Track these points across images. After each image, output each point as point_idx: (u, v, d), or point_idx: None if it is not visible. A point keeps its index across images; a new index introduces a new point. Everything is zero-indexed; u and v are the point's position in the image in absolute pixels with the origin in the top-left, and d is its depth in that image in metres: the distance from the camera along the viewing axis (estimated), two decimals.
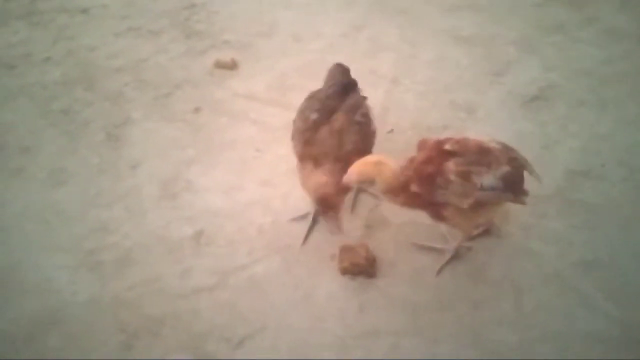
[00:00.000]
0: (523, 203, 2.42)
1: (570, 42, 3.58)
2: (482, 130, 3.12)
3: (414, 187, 2.29)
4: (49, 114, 3.43)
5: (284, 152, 3.10)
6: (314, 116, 2.63)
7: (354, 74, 3.51)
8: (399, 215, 2.73)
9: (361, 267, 2.53)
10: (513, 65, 3.49)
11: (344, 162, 2.46)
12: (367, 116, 2.73)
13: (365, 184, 2.46)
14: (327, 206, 2.48)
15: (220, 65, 3.62)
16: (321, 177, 2.48)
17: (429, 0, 3.95)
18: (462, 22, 3.77)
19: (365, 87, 3.47)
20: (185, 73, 3.62)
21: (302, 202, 2.86)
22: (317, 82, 3.50)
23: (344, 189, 2.50)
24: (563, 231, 2.64)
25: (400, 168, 2.33)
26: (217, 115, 3.35)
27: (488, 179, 2.27)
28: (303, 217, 2.81)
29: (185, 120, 3.33)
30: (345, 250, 2.57)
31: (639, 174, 2.88)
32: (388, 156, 2.38)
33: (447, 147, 2.32)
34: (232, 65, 3.61)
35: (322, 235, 2.72)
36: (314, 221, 2.78)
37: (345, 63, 3.60)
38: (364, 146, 2.63)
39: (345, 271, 2.56)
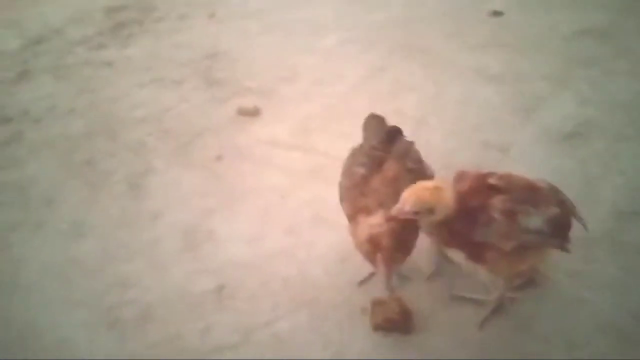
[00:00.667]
0: (568, 251, 2.13)
1: (603, 75, 3.35)
2: (518, 170, 2.87)
3: (455, 223, 2.02)
4: (72, 166, 3.31)
5: (308, 197, 2.91)
6: (361, 170, 2.36)
7: None
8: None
9: (395, 323, 2.26)
10: (545, 101, 3.27)
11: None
12: (419, 161, 2.46)
13: (421, 215, 2.04)
14: (375, 246, 2.12)
15: (242, 112, 3.48)
16: (372, 219, 2.17)
17: (451, 38, 3.79)
18: (488, 59, 3.59)
19: None
20: (207, 121, 3.49)
21: (330, 250, 2.64)
22: (340, 125, 3.36)
23: (399, 232, 2.14)
24: (617, 277, 2.35)
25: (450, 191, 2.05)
26: (240, 162, 3.18)
27: (535, 220, 2.00)
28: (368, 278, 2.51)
29: (207, 168, 3.17)
30: (378, 304, 2.31)
31: None
32: (443, 181, 2.12)
33: (492, 181, 2.05)
34: (254, 112, 3.47)
35: (352, 287, 2.48)
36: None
37: (369, 105, 3.46)
38: None
39: (378, 327, 2.30)
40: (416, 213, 2.02)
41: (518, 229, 1.99)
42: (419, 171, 2.38)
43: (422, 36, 3.88)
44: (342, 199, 2.41)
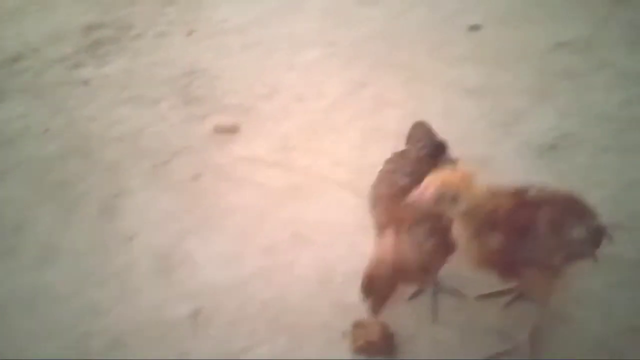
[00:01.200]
0: (597, 260, 2.08)
1: (584, 87, 3.29)
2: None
3: (494, 237, 1.87)
4: (44, 188, 3.16)
5: (288, 216, 2.81)
6: (403, 181, 2.16)
7: (358, 132, 3.30)
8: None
9: (377, 346, 2.15)
10: (525, 114, 3.20)
11: (440, 239, 2.03)
12: None
13: (442, 204, 1.83)
14: (370, 291, 1.99)
15: (220, 129, 3.37)
16: (385, 246, 2.01)
17: (432, 53, 3.72)
18: (468, 74, 3.52)
19: (372, 145, 3.23)
20: (184, 140, 3.37)
21: (310, 270, 2.53)
22: (320, 142, 3.26)
23: (403, 275, 2.01)
24: (601, 292, 2.26)
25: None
26: (218, 180, 3.07)
27: (580, 230, 1.94)
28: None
29: (184, 188, 3.05)
30: (358, 326, 2.20)
31: None
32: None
33: (532, 195, 1.96)
34: (232, 129, 3.36)
35: (332, 309, 2.37)
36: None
37: (350, 121, 3.40)
38: None
39: (359, 350, 2.18)
40: (438, 201, 1.81)
41: (564, 240, 1.92)
42: None
43: (403, 51, 3.81)
44: (374, 206, 2.21)
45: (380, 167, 2.37)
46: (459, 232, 1.92)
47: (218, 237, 2.75)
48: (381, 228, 2.13)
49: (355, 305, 2.33)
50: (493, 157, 2.96)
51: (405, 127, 3.33)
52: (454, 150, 2.96)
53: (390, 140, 3.17)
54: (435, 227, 2.05)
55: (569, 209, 1.98)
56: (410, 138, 2.47)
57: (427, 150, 2.33)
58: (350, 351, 2.20)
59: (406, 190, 2.10)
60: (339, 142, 3.22)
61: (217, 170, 3.13)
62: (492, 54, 3.62)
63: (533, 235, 1.89)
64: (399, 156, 2.36)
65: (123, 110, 3.70)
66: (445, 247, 2.07)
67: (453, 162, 2.33)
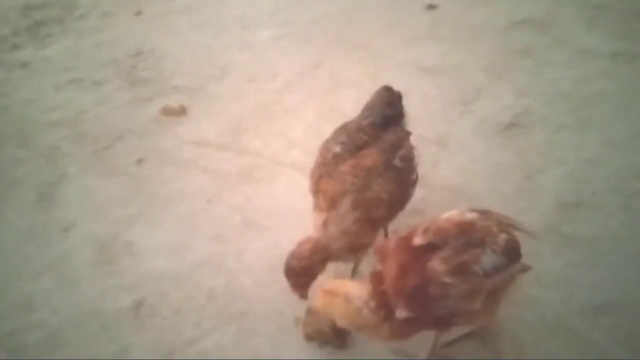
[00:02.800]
0: (530, 268, 1.88)
1: (541, 65, 3.21)
2: (457, 164, 2.69)
3: (401, 313, 1.67)
4: None
5: (238, 202, 2.64)
6: (336, 149, 2.09)
7: (313, 113, 3.15)
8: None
9: (327, 336, 2.01)
10: (483, 92, 3.10)
11: (364, 212, 1.94)
12: (408, 161, 2.12)
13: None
14: (292, 273, 1.95)
15: (167, 111, 3.17)
16: (308, 240, 1.96)
17: (388, 32, 3.58)
18: (425, 52, 3.40)
19: (328, 125, 3.07)
20: (128, 123, 3.16)
21: (261, 258, 2.37)
22: (273, 124, 3.09)
23: (325, 256, 1.95)
24: (562, 272, 2.17)
25: (364, 295, 1.70)
26: (163, 165, 2.87)
27: (489, 259, 1.69)
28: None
29: (127, 174, 2.84)
30: (311, 313, 2.06)
31: (636, 199, 2.46)
32: (350, 280, 1.88)
33: (418, 241, 1.69)
34: (180, 111, 3.16)
35: (283, 297, 2.21)
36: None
37: (304, 102, 3.24)
38: (397, 200, 2.06)
39: (309, 337, 2.04)
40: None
41: (477, 279, 1.67)
42: (401, 171, 2.09)
43: (358, 30, 3.66)
44: (311, 175, 2.15)
45: None
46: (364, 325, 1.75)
47: (162, 224, 2.56)
48: (313, 197, 2.08)
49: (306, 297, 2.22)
50: (451, 136, 2.85)
51: (361, 107, 3.21)
52: (411, 130, 2.86)
53: (346, 120, 3.05)
54: (359, 200, 1.96)
55: (467, 241, 1.69)
56: (366, 104, 2.35)
57: (372, 120, 2.21)
58: (302, 340, 2.06)
59: (338, 158, 2.07)
60: (293, 123, 3.06)
61: (162, 155, 2.93)
62: (449, 32, 3.50)
63: (438, 290, 1.64)
64: (342, 125, 2.25)
65: (64, 93, 3.45)
66: (370, 221, 1.98)
67: (404, 137, 2.22)
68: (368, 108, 2.30)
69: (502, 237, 1.74)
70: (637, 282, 2.13)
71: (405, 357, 1.99)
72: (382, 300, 1.68)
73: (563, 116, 2.89)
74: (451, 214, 1.81)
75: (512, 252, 1.76)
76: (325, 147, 2.16)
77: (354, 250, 2.00)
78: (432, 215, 1.91)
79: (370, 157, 2.04)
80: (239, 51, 3.62)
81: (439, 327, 1.81)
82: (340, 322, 1.78)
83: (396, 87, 3.27)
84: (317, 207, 2.05)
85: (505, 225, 1.83)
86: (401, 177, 2.08)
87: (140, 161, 2.91)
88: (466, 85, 3.16)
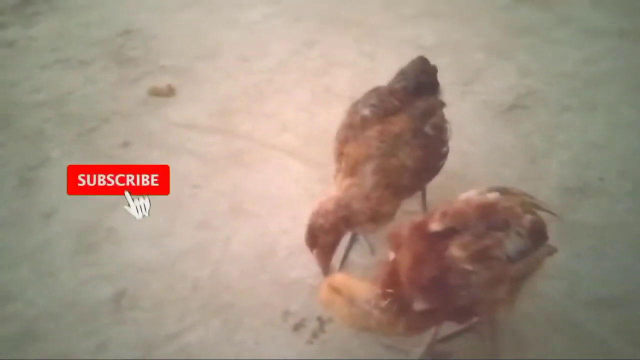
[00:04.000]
0: (556, 250, 1.72)
1: (545, 44, 3.02)
2: (456, 147, 2.52)
3: (419, 305, 1.51)
4: None
5: (226, 187, 2.47)
6: (365, 112, 1.95)
7: (306, 94, 2.97)
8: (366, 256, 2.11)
9: None
10: (484, 72, 2.92)
11: (386, 178, 1.81)
12: (440, 129, 1.98)
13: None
14: (320, 231, 1.80)
15: (154, 92, 2.99)
16: (330, 199, 1.82)
17: (385, 10, 3.39)
18: (423, 31, 3.21)
19: (321, 107, 2.91)
20: (115, 104, 2.98)
21: (248, 246, 2.21)
22: (264, 105, 2.91)
23: (348, 215, 1.81)
24: (567, 262, 2.01)
25: (372, 297, 1.53)
26: (149, 148, 2.69)
27: (513, 243, 1.51)
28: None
29: (112, 157, 2.67)
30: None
31: None
32: (357, 279, 1.62)
33: (435, 227, 1.53)
34: (168, 92, 2.98)
35: (271, 288, 2.07)
36: (352, 241, 2.16)
37: (297, 83, 3.06)
38: (424, 169, 1.92)
39: None
40: None
41: (500, 265, 1.49)
42: (432, 140, 1.93)
43: (354, 8, 3.47)
44: (335, 139, 1.99)
45: (330, 131, 2.08)
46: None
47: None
48: (335, 160, 1.94)
49: (298, 282, 2.07)
50: (452, 118, 2.64)
51: (357, 88, 3.02)
52: None
53: (341, 102, 2.86)
54: (382, 165, 1.82)
55: (488, 224, 1.52)
56: (399, 71, 2.19)
57: (404, 85, 2.06)
58: (289, 333, 1.91)
59: (366, 122, 1.92)
60: (285, 105, 2.88)
61: (149, 138, 2.75)
62: (449, 9, 3.31)
63: (458, 278, 1.47)
64: (373, 89, 2.09)
65: (49, 73, 3.26)
66: (391, 188, 1.84)
67: (437, 105, 2.06)
68: (402, 73, 2.15)
69: (527, 218, 1.57)
70: None
71: (398, 352, 1.84)
72: (396, 294, 1.53)
73: (568, 97, 2.71)
74: (470, 194, 1.64)
75: (538, 235, 1.59)
76: (354, 109, 2.02)
77: (374, 217, 1.85)
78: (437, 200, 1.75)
79: (399, 124, 1.90)
80: (230, 30, 3.43)
81: (460, 318, 1.66)
82: (343, 324, 1.65)
83: (393, 67, 3.09)
84: (339, 171, 1.92)
85: (529, 205, 1.65)
86: (430, 146, 1.93)
87: (126, 144, 2.73)
88: (466, 65, 2.98)
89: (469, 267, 1.46)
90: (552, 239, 2.05)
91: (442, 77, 2.89)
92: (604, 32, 3.06)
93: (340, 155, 1.93)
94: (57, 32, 3.63)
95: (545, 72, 2.86)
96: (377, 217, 1.87)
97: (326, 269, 1.86)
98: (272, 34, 3.35)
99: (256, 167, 2.56)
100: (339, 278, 1.60)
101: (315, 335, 1.91)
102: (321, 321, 1.93)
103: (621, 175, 2.33)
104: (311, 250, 1.85)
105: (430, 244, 1.50)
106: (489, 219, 1.52)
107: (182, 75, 3.11)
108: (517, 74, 2.87)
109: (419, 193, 2.17)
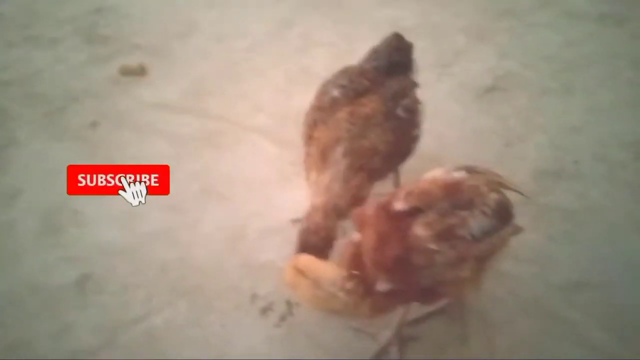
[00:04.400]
0: (522, 230, 1.70)
1: (525, 26, 2.98)
2: (433, 130, 2.48)
3: (382, 285, 1.49)
4: None
5: (197, 169, 2.41)
6: (334, 93, 1.89)
7: (282, 75, 2.91)
8: None
9: None
10: (463, 54, 2.87)
11: (357, 160, 1.76)
12: (412, 112, 1.92)
13: None
14: (314, 250, 1.70)
15: (126, 71, 2.90)
16: (317, 209, 1.74)
17: None
18: (402, 12, 3.14)
19: (298, 88, 2.84)
20: (85, 83, 2.88)
21: (218, 229, 2.16)
22: (239, 86, 2.84)
23: (338, 217, 1.76)
24: (540, 246, 1.99)
25: (337, 279, 1.50)
26: (119, 129, 2.62)
27: (478, 222, 1.48)
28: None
29: (80, 138, 2.59)
30: None
31: (619, 170, 2.27)
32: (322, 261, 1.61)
33: (400, 206, 1.49)
34: (140, 71, 2.90)
35: (240, 270, 2.02)
36: None
37: (273, 63, 2.98)
38: (395, 153, 1.87)
39: None
40: None
41: (465, 244, 1.47)
42: (404, 122, 1.88)
43: None
44: (303, 122, 1.94)
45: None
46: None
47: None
48: (305, 144, 1.89)
49: (267, 265, 2.03)
50: (427, 100, 2.59)
51: (335, 69, 2.96)
52: None
53: (317, 83, 2.78)
54: (352, 148, 1.77)
55: (453, 203, 1.48)
56: (371, 50, 2.14)
57: (376, 65, 2.00)
58: (258, 317, 1.87)
59: (335, 103, 1.86)
60: (261, 85, 2.82)
61: (119, 118, 2.67)
62: None
63: (422, 258, 1.44)
64: (343, 69, 2.03)
65: (17, 51, 3.15)
66: (364, 171, 1.79)
67: (410, 86, 2.01)
68: (374, 52, 2.09)
69: (493, 197, 1.53)
70: (617, 258, 1.97)
71: (366, 336, 1.81)
72: (360, 275, 1.50)
73: (546, 80, 2.68)
74: (435, 173, 1.60)
75: (503, 214, 1.56)
76: (323, 90, 1.96)
77: (356, 204, 1.78)
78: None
79: (370, 105, 1.85)
80: (206, 8, 3.32)
81: (425, 298, 1.64)
82: (308, 306, 1.63)
83: (370, 48, 3.03)
84: (308, 155, 1.86)
85: (496, 184, 1.62)
86: (402, 129, 1.88)
87: (94, 124, 2.65)
88: (445, 47, 2.93)
89: (433, 246, 1.43)
90: (526, 222, 2.04)
91: (421, 59, 2.84)
92: (585, 15, 3.03)
93: (309, 139, 1.88)
94: (26, 8, 3.50)
95: (525, 55, 2.82)
96: (357, 202, 1.81)
97: None
98: (250, 13, 3.26)
99: (229, 149, 2.50)
100: (303, 260, 1.56)
101: (283, 318, 1.88)
102: (290, 304, 1.90)
103: (596, 159, 2.31)
104: None
105: (394, 223, 1.47)
106: (454, 197, 1.49)
107: (155, 54, 3.02)
108: (496, 56, 2.83)
109: (392, 175, 2.14)
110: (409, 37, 3.00)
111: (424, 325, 1.81)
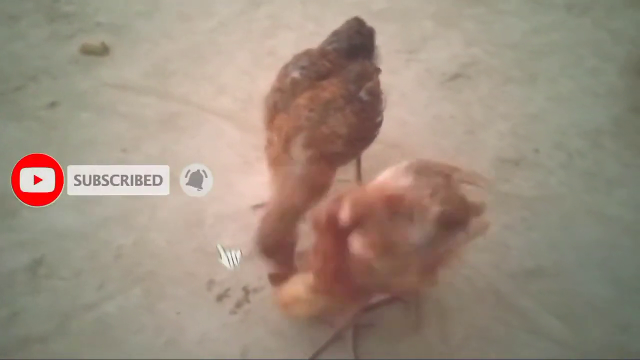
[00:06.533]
0: (487, 228, 1.65)
1: (492, 14, 2.93)
2: (396, 116, 2.44)
3: (337, 290, 1.52)
4: None
5: (155, 152, 2.33)
6: (295, 74, 1.81)
7: (248, 56, 2.82)
8: None
9: None
10: (430, 41, 2.82)
11: (318, 149, 1.69)
12: (375, 95, 1.85)
13: None
14: (269, 253, 1.67)
15: (87, 50, 2.78)
16: (273, 211, 1.67)
17: None
18: None
19: (264, 71, 2.76)
20: (44, 62, 2.76)
21: (176, 214, 2.10)
22: (204, 67, 2.74)
23: (294, 217, 1.68)
24: (497, 234, 1.96)
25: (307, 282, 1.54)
26: (78, 110, 2.51)
27: (419, 233, 1.43)
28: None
29: (37, 119, 2.48)
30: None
31: (578, 158, 2.26)
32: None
33: (344, 218, 1.40)
34: (101, 50, 2.78)
35: (197, 256, 1.97)
36: None
37: (240, 44, 2.89)
38: (357, 138, 1.80)
39: None
40: None
41: (405, 255, 1.42)
42: (367, 106, 1.80)
43: None
44: (263, 108, 1.86)
45: None
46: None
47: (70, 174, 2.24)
48: (266, 129, 1.81)
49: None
50: (393, 86, 2.55)
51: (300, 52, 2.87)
52: None
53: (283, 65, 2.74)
54: (312, 137, 1.70)
55: (391, 218, 1.44)
56: (332, 32, 2.06)
57: (337, 47, 1.93)
58: (212, 304, 1.83)
59: (296, 85, 1.79)
60: (226, 67, 2.73)
61: (78, 98, 2.56)
62: None
63: (363, 274, 1.43)
64: (304, 51, 1.95)
65: None
66: (325, 158, 1.73)
67: (372, 71, 1.94)
68: (335, 34, 2.02)
69: (434, 210, 1.46)
70: (571, 246, 1.96)
71: (323, 322, 1.77)
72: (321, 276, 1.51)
73: (510, 68, 2.64)
74: (386, 177, 1.55)
75: (449, 223, 1.50)
76: (284, 72, 1.88)
77: (314, 195, 1.73)
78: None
79: (330, 89, 1.77)
80: None
81: (376, 294, 1.67)
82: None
83: None
84: (270, 145, 1.79)
85: (444, 187, 1.54)
86: (365, 113, 1.80)
87: (53, 104, 2.54)
88: (413, 33, 2.87)
89: (372, 259, 1.40)
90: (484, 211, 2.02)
91: (388, 44, 2.81)
92: (552, 4, 2.99)
93: (270, 122, 1.81)
94: None
95: (491, 42, 2.77)
96: (317, 193, 1.75)
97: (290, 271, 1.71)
98: None
99: (190, 132, 2.42)
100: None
101: (239, 305, 1.84)
102: (246, 291, 1.86)
103: (556, 147, 2.30)
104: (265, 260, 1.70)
105: (336, 238, 1.43)
106: (395, 210, 1.44)
107: (118, 33, 2.90)
108: (463, 43, 2.78)
109: (354, 161, 2.09)
110: (378, 20, 2.93)
111: (379, 312, 1.79)
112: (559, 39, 2.78)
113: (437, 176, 1.54)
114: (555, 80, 2.56)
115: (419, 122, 2.41)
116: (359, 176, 2.13)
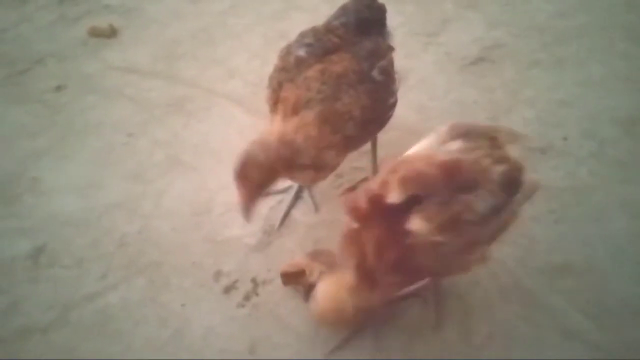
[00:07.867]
0: (539, 187, 1.51)
1: None
2: (416, 101, 2.30)
3: (388, 280, 1.33)
4: None
5: (163, 136, 2.22)
6: (300, 52, 1.68)
7: (259, 39, 2.69)
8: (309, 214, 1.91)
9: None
10: (451, 23, 2.66)
11: (333, 128, 1.57)
12: (388, 76, 1.72)
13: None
14: (255, 167, 1.57)
15: (95, 32, 2.68)
16: (272, 132, 1.58)
17: None
18: None
19: (275, 54, 2.62)
20: (52, 45, 2.66)
21: (183, 201, 1.98)
22: (213, 50, 2.62)
23: (291, 154, 1.58)
24: (523, 227, 1.81)
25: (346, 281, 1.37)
26: (84, 93, 2.41)
27: (485, 202, 1.29)
28: (283, 191, 1.95)
29: (42, 102, 2.39)
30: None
31: (610, 147, 2.10)
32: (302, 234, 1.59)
33: (395, 198, 1.26)
34: (109, 33, 2.67)
35: (203, 246, 1.85)
36: (296, 197, 1.94)
37: (250, 26, 2.75)
38: (371, 120, 1.67)
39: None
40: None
41: (473, 228, 1.28)
42: (380, 86, 1.67)
43: None
44: (268, 86, 1.73)
45: None
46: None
47: (75, 159, 2.14)
48: (271, 109, 1.68)
49: (233, 241, 1.86)
50: (411, 70, 2.43)
51: None
52: None
53: None
54: (326, 112, 1.57)
55: (455, 185, 1.29)
56: (340, 7, 1.90)
57: (344, 21, 1.78)
58: (218, 296, 1.71)
59: (302, 63, 1.66)
60: (236, 50, 2.61)
61: (85, 81, 2.46)
62: None
63: (428, 254, 1.28)
64: (309, 29, 1.81)
65: None
66: (338, 136, 1.60)
67: (386, 49, 1.80)
68: (342, 8, 1.87)
69: (497, 170, 1.33)
70: (603, 240, 1.80)
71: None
72: (362, 267, 1.34)
73: (536, 52, 2.48)
74: (425, 145, 1.40)
75: (512, 185, 1.36)
76: (287, 50, 1.75)
77: (317, 163, 1.61)
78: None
79: (341, 63, 1.64)
80: None
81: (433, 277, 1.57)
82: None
83: None
84: (274, 121, 1.66)
85: (498, 147, 1.41)
86: (378, 94, 1.67)
87: (59, 88, 2.45)
88: (432, 15, 2.72)
89: (438, 238, 1.24)
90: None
91: (407, 27, 2.67)
92: None
93: (275, 104, 1.66)
94: None
95: (515, 24, 2.61)
96: (320, 165, 1.63)
97: (247, 211, 1.59)
98: None
99: (198, 116, 2.30)
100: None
101: (247, 298, 1.72)
102: (255, 283, 1.75)
103: (586, 135, 2.14)
104: (236, 183, 1.57)
105: (391, 221, 1.26)
106: (454, 180, 1.28)
107: (126, 16, 2.79)
108: (485, 25, 2.62)
109: (368, 148, 1.96)
110: (395, 2, 2.79)
111: (398, 308, 1.66)
112: (586, 22, 2.60)
113: (484, 138, 1.39)
114: (584, 65, 2.40)
115: (439, 108, 2.26)
116: (374, 164, 2.00)
